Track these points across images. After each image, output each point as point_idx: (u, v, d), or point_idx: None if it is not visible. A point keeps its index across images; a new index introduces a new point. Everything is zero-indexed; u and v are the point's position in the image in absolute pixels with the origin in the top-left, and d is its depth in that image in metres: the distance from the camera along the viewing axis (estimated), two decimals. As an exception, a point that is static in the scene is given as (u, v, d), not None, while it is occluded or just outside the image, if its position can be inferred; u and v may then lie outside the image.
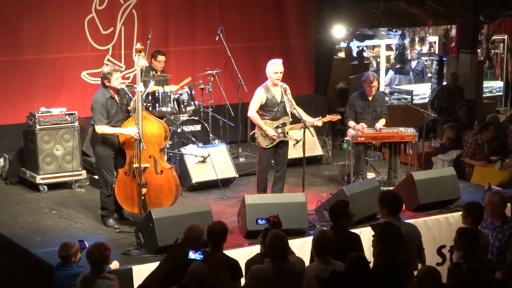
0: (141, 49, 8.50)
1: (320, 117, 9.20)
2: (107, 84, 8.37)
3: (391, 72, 17.73)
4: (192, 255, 5.42)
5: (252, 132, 9.55)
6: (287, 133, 9.08)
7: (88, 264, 6.20)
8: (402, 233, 6.12)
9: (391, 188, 9.40)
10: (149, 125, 8.41)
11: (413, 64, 17.73)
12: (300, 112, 9.13)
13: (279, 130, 9.04)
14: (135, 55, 8.48)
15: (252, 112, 9.06)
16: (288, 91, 9.09)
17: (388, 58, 18.35)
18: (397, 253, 5.93)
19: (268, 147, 9.05)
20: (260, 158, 9.24)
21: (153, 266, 6.43)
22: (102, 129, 8.35)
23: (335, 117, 9.37)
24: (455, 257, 6.80)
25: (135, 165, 8.26)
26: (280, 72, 9.00)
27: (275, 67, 9.00)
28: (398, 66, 17.82)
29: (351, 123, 9.99)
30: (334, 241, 6.04)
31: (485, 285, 5.98)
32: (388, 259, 5.87)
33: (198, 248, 5.51)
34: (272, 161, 9.48)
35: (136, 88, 8.39)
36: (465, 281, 5.92)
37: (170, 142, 9.82)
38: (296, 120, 9.22)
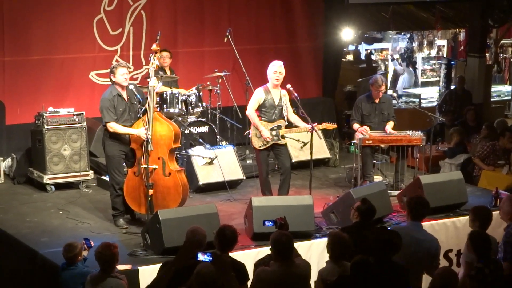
0: (157, 50, 8.57)
1: (316, 123, 9.05)
2: (113, 78, 8.41)
3: None
4: (201, 256, 5.43)
5: (246, 132, 9.52)
6: (282, 136, 9.07)
7: (94, 263, 6.20)
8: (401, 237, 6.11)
9: (398, 191, 9.40)
10: (159, 127, 8.39)
11: None
12: (295, 119, 9.10)
13: (273, 133, 9.02)
14: (151, 55, 8.55)
15: (250, 111, 9.06)
16: (286, 97, 9.09)
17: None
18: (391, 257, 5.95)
19: (261, 148, 9.05)
20: (257, 159, 9.27)
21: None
22: (114, 127, 8.36)
23: (331, 126, 9.27)
24: (462, 260, 6.80)
25: (143, 166, 8.27)
26: (279, 73, 8.96)
27: (273, 67, 9.00)
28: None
29: (356, 125, 9.96)
30: (351, 243, 6.04)
31: (500, 285, 6.01)
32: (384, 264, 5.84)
33: (200, 250, 5.52)
34: (277, 163, 9.49)
35: (149, 81, 8.40)
36: (487, 284, 5.93)
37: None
38: (291, 125, 9.21)
